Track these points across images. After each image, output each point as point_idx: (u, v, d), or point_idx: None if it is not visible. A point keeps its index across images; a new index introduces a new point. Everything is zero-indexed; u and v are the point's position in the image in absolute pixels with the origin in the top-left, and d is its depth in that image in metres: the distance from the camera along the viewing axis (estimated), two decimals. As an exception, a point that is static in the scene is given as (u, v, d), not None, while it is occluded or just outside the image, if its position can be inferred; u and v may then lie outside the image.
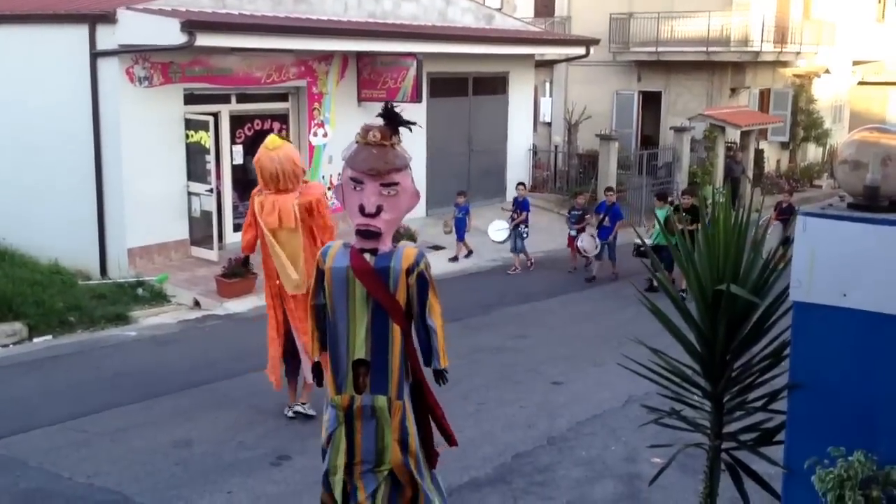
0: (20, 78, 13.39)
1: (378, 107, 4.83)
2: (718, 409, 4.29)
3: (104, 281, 12.54)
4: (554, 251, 15.67)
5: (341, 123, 15.04)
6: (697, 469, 4.86)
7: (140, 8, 12.18)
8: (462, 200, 14.94)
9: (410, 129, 4.68)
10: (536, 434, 7.51)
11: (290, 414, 7.65)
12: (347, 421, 4.73)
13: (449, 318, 11.12)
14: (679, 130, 20.36)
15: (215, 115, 13.56)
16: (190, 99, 13.34)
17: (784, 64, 24.46)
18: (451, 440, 5.02)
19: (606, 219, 13.99)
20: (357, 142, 4.63)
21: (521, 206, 14.57)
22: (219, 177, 13.72)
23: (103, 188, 12.74)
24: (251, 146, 12.87)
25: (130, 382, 8.84)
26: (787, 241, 4.42)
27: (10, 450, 7.10)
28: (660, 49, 22.70)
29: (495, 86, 19.10)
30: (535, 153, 20.59)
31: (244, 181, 13.80)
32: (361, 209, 4.57)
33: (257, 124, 14.48)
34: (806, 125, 25.78)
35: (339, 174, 4.87)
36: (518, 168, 19.44)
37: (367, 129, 4.61)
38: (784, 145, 25.68)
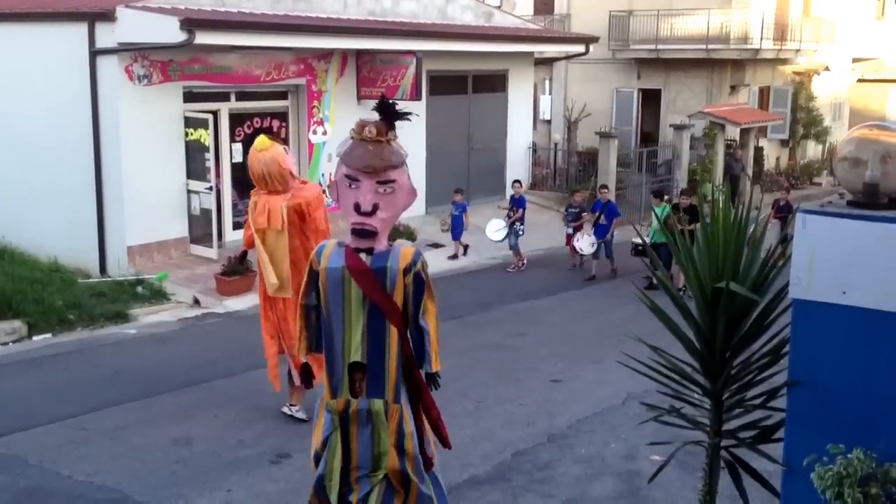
0: (19, 76, 13.37)
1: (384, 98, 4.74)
2: (718, 406, 4.29)
3: (104, 279, 12.54)
4: (553, 249, 15.67)
5: (340, 121, 15.04)
6: (697, 466, 4.86)
7: (139, 6, 12.17)
8: (459, 198, 14.92)
9: (409, 120, 4.56)
10: (536, 432, 7.51)
11: (286, 411, 7.64)
12: (343, 425, 4.63)
13: (448, 316, 11.13)
14: (679, 128, 20.36)
15: (215, 113, 13.56)
16: (189, 97, 13.34)
17: (784, 61, 24.46)
18: (445, 442, 4.93)
19: (602, 217, 13.99)
20: (352, 138, 4.52)
21: (517, 203, 14.56)
22: (218, 175, 13.73)
23: (103, 186, 12.74)
24: (250, 144, 12.79)
25: (130, 380, 8.84)
26: (785, 240, 4.42)
27: (10, 448, 7.10)
28: (659, 46, 22.70)
29: (495, 83, 19.09)
30: (534, 151, 20.59)
31: (244, 179, 13.68)
32: (357, 207, 4.46)
33: (257, 122, 14.48)
34: (805, 122, 25.79)
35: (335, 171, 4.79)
36: (518, 166, 19.44)
37: (362, 125, 4.49)
38: (784, 143, 25.69)
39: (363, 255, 4.52)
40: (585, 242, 13.91)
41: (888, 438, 3.52)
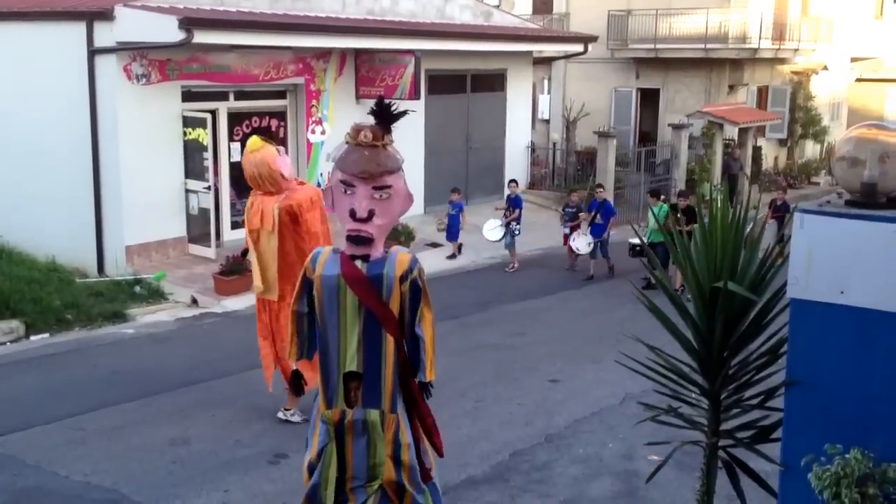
0: (17, 75, 13.36)
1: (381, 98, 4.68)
2: (715, 406, 4.29)
3: (101, 279, 12.53)
4: (552, 248, 15.66)
5: (339, 121, 15.01)
6: (694, 466, 4.86)
7: (138, 5, 12.16)
8: (456, 198, 14.90)
9: (407, 114, 4.47)
10: (534, 432, 7.50)
11: (281, 416, 7.63)
12: (338, 436, 4.53)
13: (447, 316, 11.14)
14: (677, 127, 20.36)
15: (213, 113, 13.54)
16: (188, 96, 13.32)
17: (782, 61, 24.46)
18: (439, 451, 4.82)
19: (598, 216, 13.98)
20: (347, 142, 4.41)
21: (513, 203, 14.54)
22: (216, 174, 13.71)
23: (101, 186, 12.72)
24: (249, 143, 12.85)
25: (128, 380, 8.84)
26: (782, 239, 4.42)
27: (7, 448, 7.09)
28: (658, 46, 22.70)
29: (493, 83, 19.09)
30: (533, 150, 20.59)
31: (242, 179, 13.68)
32: (352, 214, 4.36)
33: (255, 121, 14.47)
34: (804, 122, 25.79)
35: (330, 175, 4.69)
36: (516, 165, 19.44)
37: (357, 129, 4.39)
38: (782, 142, 25.69)
39: (359, 263, 4.43)
40: (582, 242, 13.91)
41: (886, 438, 3.51)
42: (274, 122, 14.82)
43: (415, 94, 15.20)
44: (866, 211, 3.65)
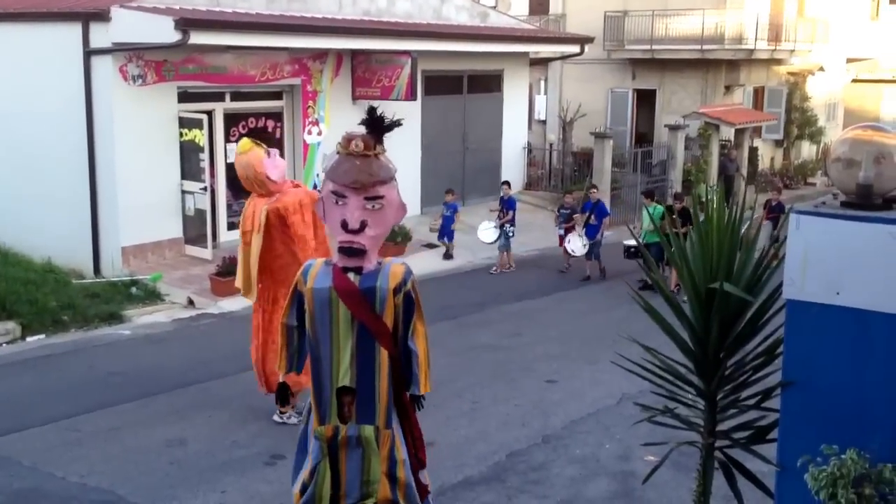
0: (13, 76, 13.34)
1: (377, 106, 4.63)
2: (712, 407, 4.29)
3: (98, 280, 12.51)
4: (548, 249, 15.66)
5: (336, 121, 15.01)
6: (691, 467, 4.86)
7: (134, 6, 12.15)
8: (450, 198, 14.89)
9: (400, 124, 4.39)
10: (531, 432, 7.50)
11: (277, 419, 7.63)
12: (331, 453, 4.45)
13: (444, 317, 11.11)
14: (673, 128, 20.38)
15: (209, 114, 13.53)
16: (184, 97, 13.31)
17: (778, 62, 24.49)
18: (422, 462, 4.74)
19: (593, 217, 13.98)
20: (338, 152, 4.32)
21: (507, 204, 14.52)
22: (213, 175, 13.70)
23: (97, 187, 12.71)
24: (245, 144, 12.84)
25: (124, 381, 8.83)
26: (777, 240, 4.42)
27: (3, 449, 7.07)
28: (654, 47, 22.72)
29: (490, 84, 19.10)
30: (529, 151, 20.59)
31: (238, 180, 13.75)
32: (344, 225, 4.27)
33: (251, 122, 14.46)
34: (800, 123, 25.82)
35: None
36: (513, 166, 19.46)
37: (348, 139, 4.30)
38: (778, 143, 25.72)
39: (351, 275, 4.34)
40: (577, 244, 13.91)
41: (882, 439, 3.52)
42: (270, 123, 14.81)
43: (411, 95, 15.21)
44: (862, 212, 3.66)
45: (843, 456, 3.42)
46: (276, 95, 14.97)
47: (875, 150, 3.82)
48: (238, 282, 7.49)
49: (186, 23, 11.69)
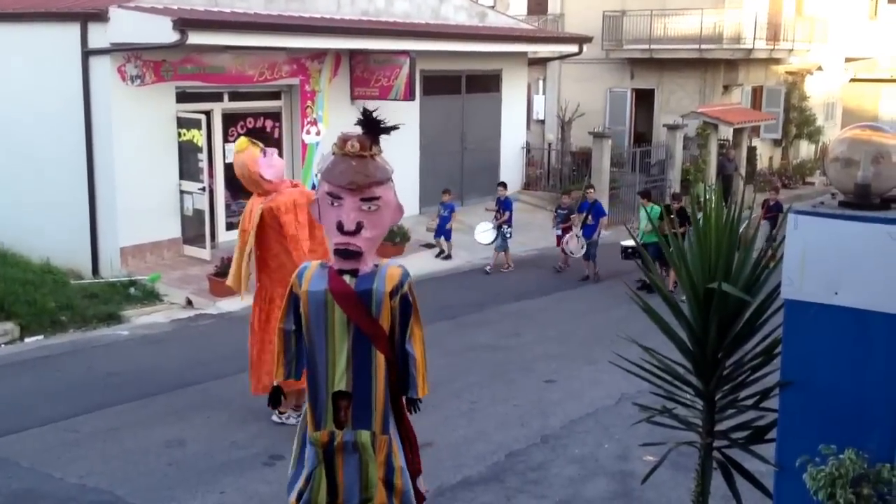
0: (11, 76, 13.33)
1: (371, 105, 4.57)
2: (710, 407, 4.29)
3: (96, 280, 12.50)
4: (547, 249, 15.66)
5: (334, 121, 15.01)
6: (690, 467, 4.86)
7: (132, 6, 12.14)
8: (447, 198, 14.87)
9: (397, 128, 4.31)
10: (530, 432, 7.50)
11: (276, 419, 7.62)
12: (327, 459, 4.36)
13: (442, 317, 11.10)
14: (672, 128, 20.38)
15: (207, 114, 13.52)
16: (182, 97, 13.31)
17: (777, 61, 24.50)
18: (417, 469, 4.66)
19: (590, 217, 13.97)
20: (334, 153, 4.25)
21: (503, 205, 14.50)
22: (211, 175, 13.69)
23: (95, 187, 12.70)
24: (244, 145, 12.83)
25: (122, 382, 8.82)
26: (775, 240, 4.42)
27: (2, 450, 7.07)
28: (653, 46, 22.73)
29: (488, 83, 19.10)
30: (528, 151, 20.59)
31: (236, 180, 13.75)
32: (340, 226, 4.20)
33: (250, 122, 14.45)
34: (798, 122, 25.83)
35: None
36: (511, 166, 19.46)
37: (344, 139, 4.23)
38: (776, 142, 25.73)
39: (347, 277, 4.27)
40: (575, 245, 13.90)
41: (880, 439, 3.52)
42: (269, 123, 14.80)
43: (409, 95, 15.20)
44: (860, 212, 3.66)
45: (841, 456, 3.42)
46: (275, 95, 14.96)
47: (873, 149, 3.82)
48: (229, 279, 7.50)
49: (185, 23, 11.68)
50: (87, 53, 12.40)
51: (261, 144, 7.48)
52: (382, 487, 4.37)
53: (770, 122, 24.17)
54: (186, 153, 13.19)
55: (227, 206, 14.14)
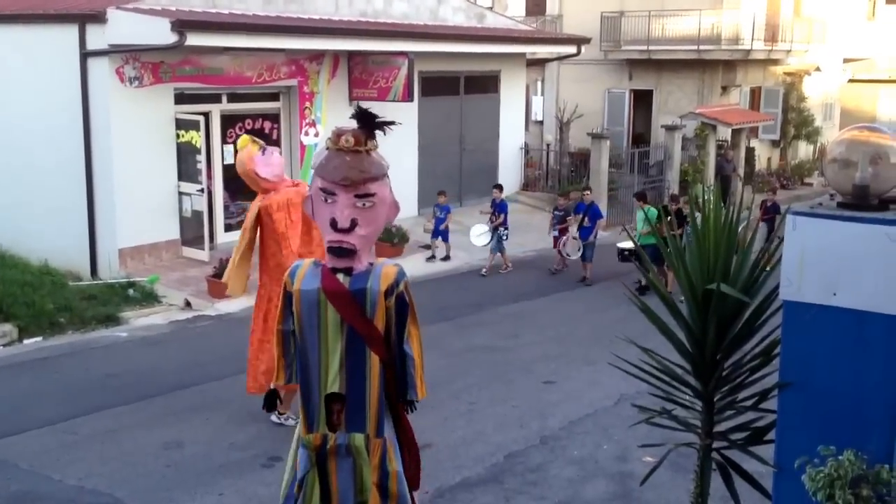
0: (9, 77, 13.33)
1: (370, 106, 4.40)
2: (709, 408, 4.29)
3: (95, 282, 12.50)
4: (545, 250, 15.64)
5: (333, 122, 14.98)
6: (689, 468, 4.87)
7: (130, 7, 12.14)
8: (443, 200, 14.84)
9: (386, 132, 4.17)
10: (528, 433, 7.51)
11: (275, 420, 7.62)
12: (320, 463, 4.25)
13: (441, 318, 11.10)
14: (670, 129, 20.39)
15: (206, 115, 13.52)
16: (180, 99, 13.30)
17: (775, 62, 24.51)
18: (416, 482, 4.51)
19: (586, 219, 13.96)
20: (328, 148, 4.10)
21: (498, 208, 14.47)
22: (210, 177, 13.68)
23: (93, 188, 12.69)
24: (242, 146, 12.83)
25: (121, 384, 8.82)
26: (773, 240, 4.42)
27: (0, 452, 7.06)
28: (651, 47, 22.74)
29: (487, 85, 19.10)
30: (526, 152, 20.59)
31: (235, 181, 13.76)
32: (333, 223, 4.05)
33: (248, 124, 14.45)
34: (797, 123, 25.84)
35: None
36: (510, 167, 19.46)
37: (338, 134, 4.08)
38: (775, 143, 25.74)
39: (341, 276, 4.12)
40: (572, 247, 13.90)
41: (879, 440, 3.52)
42: (267, 125, 14.80)
43: (408, 96, 15.20)
44: (858, 213, 3.66)
45: (840, 457, 3.42)
46: (273, 97, 14.96)
47: (871, 150, 3.82)
48: (225, 277, 7.53)
49: (183, 24, 11.68)
50: (85, 55, 12.39)
51: (261, 143, 7.50)
52: (377, 493, 4.25)
53: (768, 123, 24.18)
54: (185, 154, 13.19)
55: (226, 208, 14.13)
